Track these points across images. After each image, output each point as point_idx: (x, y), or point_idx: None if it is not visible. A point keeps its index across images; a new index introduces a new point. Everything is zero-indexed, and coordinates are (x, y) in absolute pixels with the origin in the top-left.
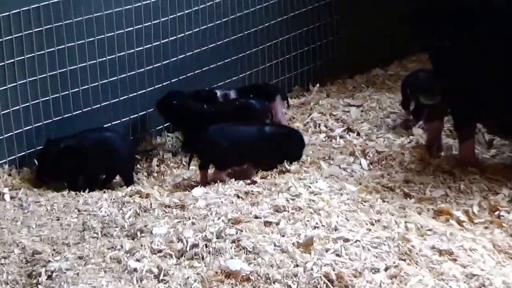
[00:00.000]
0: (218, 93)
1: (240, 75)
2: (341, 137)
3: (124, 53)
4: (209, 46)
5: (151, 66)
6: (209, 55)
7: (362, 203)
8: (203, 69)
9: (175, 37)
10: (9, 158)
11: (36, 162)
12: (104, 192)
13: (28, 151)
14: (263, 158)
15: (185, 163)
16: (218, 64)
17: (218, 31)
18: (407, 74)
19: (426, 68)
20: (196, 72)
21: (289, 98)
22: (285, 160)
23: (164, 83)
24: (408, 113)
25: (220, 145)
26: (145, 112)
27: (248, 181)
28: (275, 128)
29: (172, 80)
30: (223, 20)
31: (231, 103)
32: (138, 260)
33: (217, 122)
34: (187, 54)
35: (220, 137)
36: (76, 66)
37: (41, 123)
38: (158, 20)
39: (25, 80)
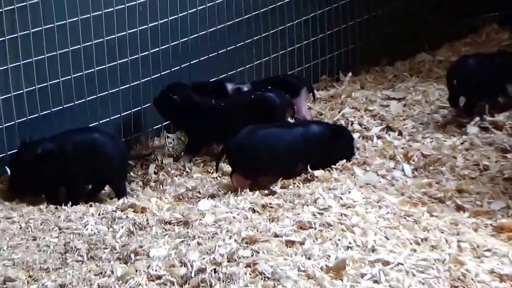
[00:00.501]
0: (229, 86)
1: (255, 62)
2: (378, 137)
3: (113, 36)
4: (217, 27)
5: (146, 52)
6: (218, 38)
7: (405, 218)
8: (210, 55)
9: (176, 16)
10: None
11: (7, 169)
12: (91, 205)
13: None
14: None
15: (188, 170)
16: (228, 49)
17: (227, 8)
18: (454, 61)
19: (478, 53)
20: (202, 58)
21: (316, 90)
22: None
23: (162, 72)
24: (458, 110)
25: (256, 150)
26: (139, 107)
27: (266, 192)
28: (318, 126)
29: (173, 69)
30: None
31: (245, 96)
32: None
33: (227, 120)
34: (191, 36)
35: (257, 141)
36: (55, 53)
37: (13, 122)
38: None
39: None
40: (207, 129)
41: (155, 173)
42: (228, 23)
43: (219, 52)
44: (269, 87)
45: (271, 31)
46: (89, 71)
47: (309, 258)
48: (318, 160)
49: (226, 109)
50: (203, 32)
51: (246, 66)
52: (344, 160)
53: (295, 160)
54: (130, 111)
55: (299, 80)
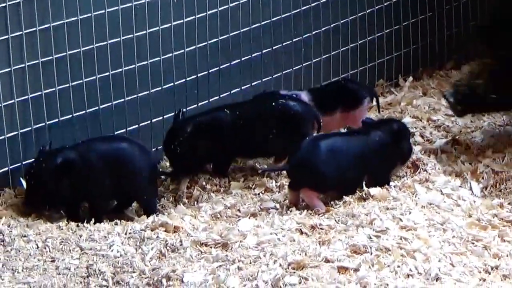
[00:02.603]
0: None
1: (304, 64)
2: (443, 151)
3: (144, 32)
4: (257, 24)
5: (182, 50)
6: (259, 37)
7: (473, 243)
8: (253, 55)
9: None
10: None
11: (23, 181)
12: (116, 224)
13: (11, 166)
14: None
15: (227, 186)
16: (274, 48)
17: (266, 5)
18: None
19: None
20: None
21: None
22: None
23: (199, 74)
24: None
25: (321, 161)
26: (171, 113)
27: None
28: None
29: (211, 70)
30: None
31: (263, 104)
32: None
33: (243, 132)
34: (232, 33)
35: (321, 151)
36: (78, 50)
37: (29, 128)
38: None
39: (8, 69)
40: (225, 149)
41: (188, 187)
42: (273, 19)
43: (263, 52)
44: (293, 95)
45: (322, 29)
46: (116, 71)
47: (365, 287)
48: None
49: (240, 119)
50: (245, 29)
51: (294, 68)
52: (405, 178)
53: (362, 173)
54: (161, 117)
55: (362, 86)
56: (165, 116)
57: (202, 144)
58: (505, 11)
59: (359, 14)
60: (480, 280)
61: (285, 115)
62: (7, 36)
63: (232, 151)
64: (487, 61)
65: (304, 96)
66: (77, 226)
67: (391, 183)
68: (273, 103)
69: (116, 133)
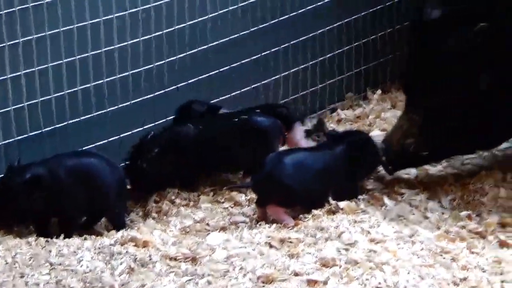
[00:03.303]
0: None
1: (273, 78)
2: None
3: (112, 47)
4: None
5: (150, 65)
6: (224, 52)
7: (441, 255)
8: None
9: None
10: None
11: None
12: (86, 239)
13: None
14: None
15: (196, 200)
16: (243, 62)
17: (235, 19)
18: None
19: None
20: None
21: (340, 110)
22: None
23: (167, 89)
24: None
25: (287, 177)
26: (139, 128)
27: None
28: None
29: (180, 85)
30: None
31: (226, 119)
32: None
33: (207, 146)
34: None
35: (286, 166)
36: (47, 66)
37: None
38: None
39: None
40: (190, 164)
41: (157, 202)
42: (242, 33)
43: (232, 66)
44: (255, 110)
45: (291, 43)
46: (84, 86)
47: None
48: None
49: (204, 134)
50: (213, 43)
51: (262, 82)
52: (375, 190)
53: (328, 186)
54: (130, 132)
55: (291, 111)
56: (133, 131)
57: (167, 160)
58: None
59: (327, 28)
60: None
61: (251, 130)
62: None
63: (197, 166)
64: (414, 117)
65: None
66: (47, 241)
67: (360, 196)
68: (238, 118)
69: (84, 148)
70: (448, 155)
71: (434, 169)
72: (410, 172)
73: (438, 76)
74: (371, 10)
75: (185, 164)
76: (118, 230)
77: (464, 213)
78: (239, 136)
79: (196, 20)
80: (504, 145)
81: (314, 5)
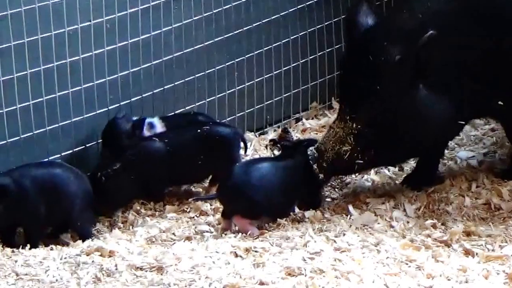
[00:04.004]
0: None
1: (238, 87)
2: (377, 172)
3: (77, 57)
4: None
5: (116, 75)
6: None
7: (406, 264)
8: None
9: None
10: None
11: None
12: (52, 249)
13: None
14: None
15: (162, 210)
16: (207, 72)
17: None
18: None
19: None
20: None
21: (305, 119)
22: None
23: (133, 98)
24: None
25: (251, 189)
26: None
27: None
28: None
29: (144, 95)
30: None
31: (190, 131)
32: None
33: (174, 159)
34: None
35: (250, 178)
36: (12, 76)
37: None
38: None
39: None
40: (157, 178)
41: (122, 212)
42: (207, 42)
43: (197, 76)
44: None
45: (255, 52)
46: (50, 96)
47: None
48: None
49: (166, 145)
50: (178, 53)
51: (227, 92)
52: (339, 198)
53: (293, 196)
54: (95, 142)
55: (209, 117)
56: (99, 141)
57: (134, 176)
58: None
59: (291, 37)
60: None
61: (212, 140)
62: None
63: (164, 180)
64: (349, 124)
65: (157, 122)
66: (12, 251)
67: (325, 205)
68: (199, 129)
69: (50, 158)
70: (382, 163)
71: (399, 178)
72: (375, 181)
73: (370, 86)
74: (335, 20)
75: (152, 178)
76: (84, 240)
77: (429, 222)
78: (201, 147)
79: (160, 31)
80: (467, 154)
81: (279, 15)
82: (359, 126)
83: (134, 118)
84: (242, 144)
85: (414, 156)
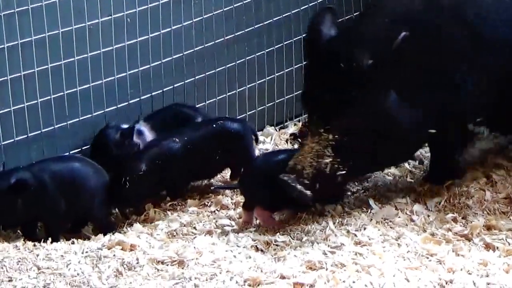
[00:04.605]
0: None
1: (249, 85)
2: (397, 166)
3: (98, 51)
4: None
5: (136, 70)
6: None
7: (427, 258)
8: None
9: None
10: None
11: None
12: (73, 243)
13: None
14: None
15: (183, 204)
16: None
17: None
18: None
19: None
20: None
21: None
22: None
23: (153, 92)
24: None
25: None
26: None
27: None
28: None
29: (165, 89)
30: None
31: (205, 127)
32: None
33: (193, 156)
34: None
35: (271, 170)
36: (33, 70)
37: None
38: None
39: None
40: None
41: (143, 206)
42: (227, 37)
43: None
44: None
45: (275, 46)
46: (71, 90)
47: None
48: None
49: (191, 147)
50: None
51: (248, 86)
52: (360, 192)
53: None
54: None
55: (195, 110)
56: None
57: (155, 176)
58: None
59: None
60: None
61: (225, 134)
62: None
63: (185, 178)
64: (325, 137)
65: (142, 126)
66: (34, 245)
67: (345, 199)
68: (213, 125)
69: (71, 152)
70: (363, 172)
71: (419, 172)
72: (395, 175)
73: (343, 94)
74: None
75: (173, 177)
76: (105, 234)
77: (449, 215)
78: (217, 141)
79: (181, 25)
80: (488, 144)
81: (299, 9)
82: (336, 137)
83: (124, 126)
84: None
85: (392, 164)
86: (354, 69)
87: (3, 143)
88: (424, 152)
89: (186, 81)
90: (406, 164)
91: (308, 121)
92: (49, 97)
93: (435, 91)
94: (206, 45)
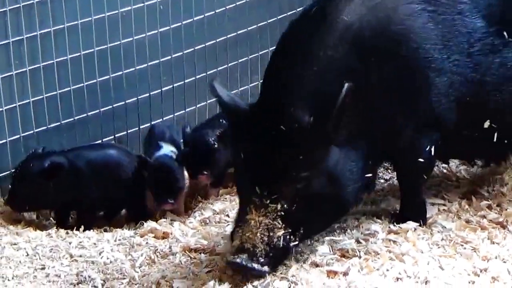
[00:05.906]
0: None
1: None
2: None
3: (130, 39)
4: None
5: (169, 57)
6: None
7: (462, 245)
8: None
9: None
10: None
11: (10, 184)
12: (105, 230)
13: (0, 175)
14: None
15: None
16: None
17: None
18: None
19: None
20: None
21: None
22: None
23: (186, 80)
24: None
25: None
26: (157, 120)
27: None
28: None
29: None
30: None
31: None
32: None
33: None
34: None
35: None
36: (65, 58)
37: (18, 136)
38: None
39: None
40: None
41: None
42: (259, 24)
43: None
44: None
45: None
46: (103, 78)
47: None
48: None
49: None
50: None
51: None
52: (391, 179)
53: None
54: (149, 124)
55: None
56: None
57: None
58: None
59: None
60: (469, 282)
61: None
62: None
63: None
64: (273, 208)
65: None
66: (67, 233)
67: (378, 186)
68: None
69: (104, 140)
70: (314, 233)
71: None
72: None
73: (287, 159)
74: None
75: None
76: (137, 221)
77: (484, 203)
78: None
79: (213, 12)
80: None
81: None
82: (285, 206)
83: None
84: None
85: (342, 215)
86: (295, 130)
87: (36, 130)
88: None
89: (219, 68)
90: None
91: (247, 195)
92: (82, 84)
93: (376, 139)
94: (238, 32)
